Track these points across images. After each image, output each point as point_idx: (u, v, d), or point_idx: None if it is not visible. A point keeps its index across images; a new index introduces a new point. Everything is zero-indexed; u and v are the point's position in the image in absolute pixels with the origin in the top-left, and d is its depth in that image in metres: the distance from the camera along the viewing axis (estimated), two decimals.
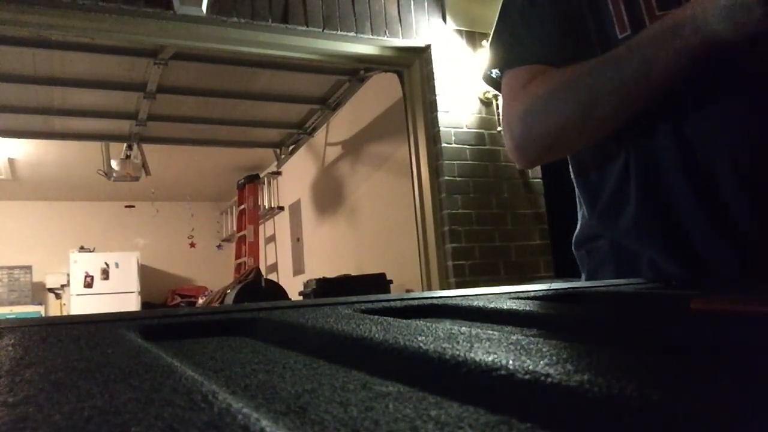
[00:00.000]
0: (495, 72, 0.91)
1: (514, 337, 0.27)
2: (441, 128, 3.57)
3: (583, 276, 0.93)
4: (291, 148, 6.67)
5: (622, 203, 0.83)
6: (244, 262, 7.03)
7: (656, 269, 0.80)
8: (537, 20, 0.85)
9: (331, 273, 4.57)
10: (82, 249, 8.46)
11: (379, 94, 4.73)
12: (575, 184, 0.93)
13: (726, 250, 0.75)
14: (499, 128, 3.71)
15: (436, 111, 3.58)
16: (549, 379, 0.19)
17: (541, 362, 0.21)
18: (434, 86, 3.60)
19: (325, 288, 3.99)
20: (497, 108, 3.72)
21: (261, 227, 7.59)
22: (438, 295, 0.55)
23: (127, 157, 6.32)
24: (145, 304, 8.26)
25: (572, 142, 0.84)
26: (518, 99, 0.83)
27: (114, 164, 6.39)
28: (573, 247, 0.94)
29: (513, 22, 0.88)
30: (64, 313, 7.56)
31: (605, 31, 0.80)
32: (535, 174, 3.78)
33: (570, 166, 0.93)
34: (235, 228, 7.91)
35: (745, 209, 0.73)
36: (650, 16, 0.76)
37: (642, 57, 0.70)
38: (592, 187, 0.88)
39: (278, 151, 6.89)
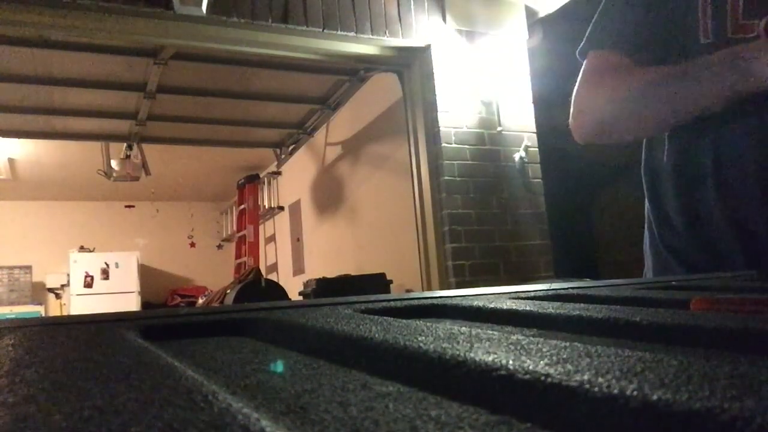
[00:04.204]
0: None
1: (514, 337, 0.27)
2: (441, 128, 3.56)
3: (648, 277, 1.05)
4: (291, 148, 6.67)
5: (673, 219, 0.96)
6: (244, 262, 7.03)
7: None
8: (624, 10, 0.97)
9: (331, 273, 4.56)
10: (82, 249, 8.46)
11: (379, 94, 4.72)
12: (647, 192, 1.04)
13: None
14: (499, 128, 3.71)
15: (436, 111, 3.58)
16: (549, 379, 0.19)
17: (541, 362, 0.21)
18: (434, 86, 3.60)
19: (325, 288, 3.99)
20: (497, 108, 3.72)
21: (261, 227, 7.59)
22: (438, 295, 0.55)
23: (127, 157, 6.31)
24: (145, 304, 8.26)
25: (620, 137, 1.01)
26: (594, 85, 0.99)
27: (114, 164, 6.38)
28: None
29: (605, 10, 1.01)
30: (64, 313, 7.57)
31: (689, 34, 0.88)
32: (535, 174, 3.78)
33: (642, 171, 1.05)
34: (235, 228, 7.91)
35: None
36: (734, 25, 0.84)
37: (697, 88, 0.83)
38: (656, 199, 1.01)
39: (278, 151, 6.89)
